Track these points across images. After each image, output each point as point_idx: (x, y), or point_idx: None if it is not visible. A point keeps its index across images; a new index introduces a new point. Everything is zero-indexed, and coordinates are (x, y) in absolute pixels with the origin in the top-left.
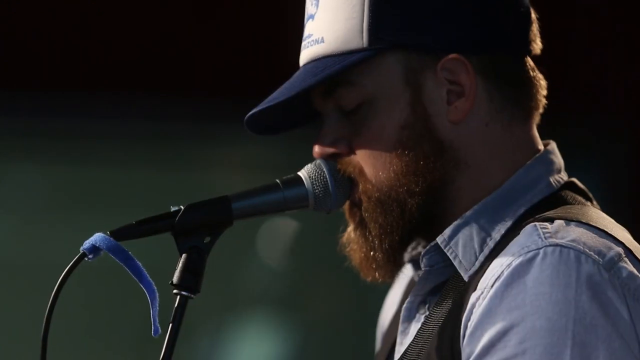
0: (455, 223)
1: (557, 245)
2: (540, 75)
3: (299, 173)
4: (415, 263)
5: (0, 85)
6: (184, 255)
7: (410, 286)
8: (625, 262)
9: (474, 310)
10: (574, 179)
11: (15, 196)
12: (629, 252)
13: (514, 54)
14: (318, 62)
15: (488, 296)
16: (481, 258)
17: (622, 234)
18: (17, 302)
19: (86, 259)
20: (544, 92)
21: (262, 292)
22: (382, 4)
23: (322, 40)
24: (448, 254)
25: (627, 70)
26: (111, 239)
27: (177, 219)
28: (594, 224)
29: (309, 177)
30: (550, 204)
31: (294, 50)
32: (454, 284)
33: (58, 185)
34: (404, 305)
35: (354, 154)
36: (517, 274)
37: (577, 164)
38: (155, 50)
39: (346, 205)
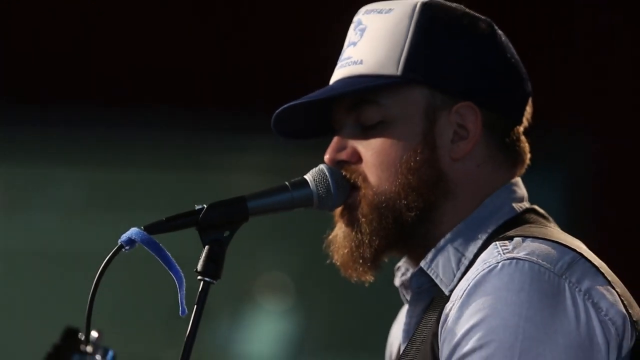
0: (435, 248)
1: (513, 258)
2: (527, 145)
3: (305, 176)
4: (406, 287)
5: (47, 99)
6: (206, 247)
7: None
8: (577, 267)
9: (447, 320)
10: (535, 206)
11: (63, 196)
12: (581, 257)
13: (512, 120)
14: (353, 78)
15: (457, 305)
16: (458, 275)
17: (576, 243)
18: (62, 289)
19: (123, 249)
20: (527, 157)
21: (275, 280)
22: (421, 43)
23: (361, 62)
24: (431, 275)
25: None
26: (145, 232)
27: (200, 215)
28: (548, 238)
29: (314, 179)
30: (512, 224)
31: (304, 62)
32: (438, 300)
33: (97, 188)
34: (402, 328)
35: (362, 163)
36: (479, 283)
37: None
38: (189, 64)
39: (339, 209)
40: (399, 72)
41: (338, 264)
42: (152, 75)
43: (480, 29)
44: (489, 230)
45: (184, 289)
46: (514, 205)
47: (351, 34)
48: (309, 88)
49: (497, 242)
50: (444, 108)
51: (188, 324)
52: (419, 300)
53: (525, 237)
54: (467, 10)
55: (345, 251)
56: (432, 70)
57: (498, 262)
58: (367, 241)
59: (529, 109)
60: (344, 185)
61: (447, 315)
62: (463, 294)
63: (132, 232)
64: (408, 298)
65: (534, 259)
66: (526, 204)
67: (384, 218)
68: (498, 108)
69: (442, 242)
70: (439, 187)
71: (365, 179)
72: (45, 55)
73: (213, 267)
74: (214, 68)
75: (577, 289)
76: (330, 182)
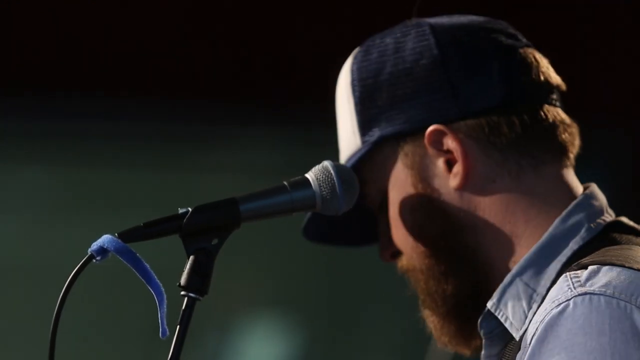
0: (501, 285)
1: (586, 293)
2: (563, 119)
3: (307, 175)
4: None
5: (4, 86)
6: (191, 257)
7: None
8: None
9: None
10: (622, 218)
11: (21, 198)
12: None
13: (504, 106)
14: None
15: (526, 355)
16: (530, 316)
17: None
18: (24, 305)
19: (94, 260)
20: (568, 135)
21: (268, 292)
22: (361, 104)
23: (340, 151)
24: (499, 317)
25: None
26: (119, 240)
27: (184, 220)
28: (628, 265)
29: (317, 179)
30: (589, 249)
31: (293, 55)
32: (510, 347)
33: (63, 187)
34: None
35: None
36: (550, 328)
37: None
38: (163, 53)
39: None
40: (359, 143)
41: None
42: (130, 63)
43: (401, 44)
44: (563, 259)
45: (165, 305)
46: (592, 222)
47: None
48: (301, 78)
49: (568, 274)
50: (418, 148)
51: (170, 346)
52: (492, 346)
53: (602, 264)
54: (390, 30)
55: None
56: (383, 122)
57: (569, 299)
58: (435, 309)
59: (534, 69)
60: (352, 186)
61: None
62: (532, 339)
63: (105, 240)
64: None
65: (611, 291)
66: (607, 217)
67: (433, 296)
68: (474, 107)
69: (508, 277)
70: (460, 230)
71: (408, 269)
72: (8, 41)
73: (199, 281)
74: (199, 56)
75: None
76: (335, 181)
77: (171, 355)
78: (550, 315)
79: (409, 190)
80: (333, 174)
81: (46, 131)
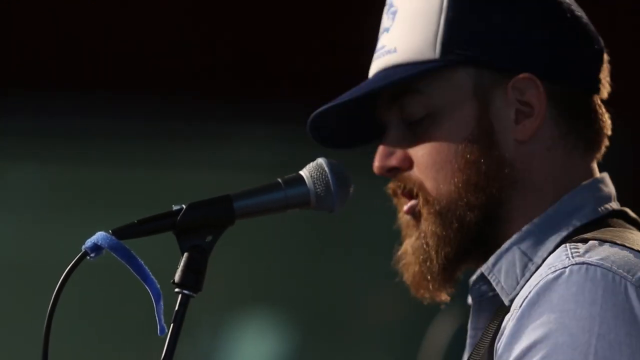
0: (497, 251)
1: (583, 263)
2: (606, 116)
3: (301, 172)
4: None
5: (2, 86)
6: (185, 254)
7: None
8: None
9: (504, 332)
10: (626, 209)
11: (16, 196)
12: None
13: (583, 88)
14: (388, 70)
15: (515, 316)
16: (522, 283)
17: None
18: (19, 302)
19: (88, 257)
20: (608, 132)
21: (263, 290)
22: (459, 18)
23: (395, 50)
24: (491, 280)
25: None
26: (113, 237)
27: (178, 217)
28: (629, 245)
29: (311, 176)
30: (591, 227)
31: (293, 51)
32: (499, 311)
33: (58, 185)
34: (467, 342)
35: (414, 168)
36: (542, 292)
37: None
38: (158, 50)
39: (405, 218)
40: (437, 55)
41: (408, 283)
42: (119, 59)
43: None
44: (564, 234)
45: (162, 302)
46: (598, 205)
47: (384, 19)
48: (296, 76)
49: (567, 244)
50: (496, 86)
51: (164, 343)
52: (481, 311)
53: (602, 240)
54: None
55: (416, 269)
56: (475, 46)
57: (565, 267)
58: (434, 255)
59: (605, 70)
60: (347, 183)
61: (504, 327)
62: (523, 302)
63: (99, 236)
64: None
65: (608, 264)
66: (614, 205)
67: (448, 225)
68: (564, 76)
69: (507, 243)
70: (503, 178)
71: (421, 186)
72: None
73: (193, 278)
74: (196, 55)
75: None
76: (330, 178)
77: (165, 353)
78: (545, 279)
79: (469, 121)
80: (327, 171)
81: (43, 130)
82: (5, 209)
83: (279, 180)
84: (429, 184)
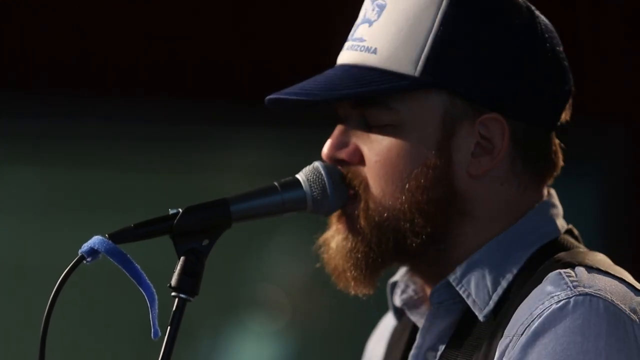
0: (466, 262)
1: (586, 294)
2: (560, 151)
3: (297, 176)
4: (410, 306)
5: (0, 86)
6: (182, 258)
7: (397, 335)
8: None
9: (504, 359)
10: (571, 226)
11: (14, 198)
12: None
13: (546, 127)
14: (364, 70)
15: (519, 344)
16: (495, 298)
17: (630, 277)
18: (16, 305)
19: (84, 261)
20: (560, 163)
21: (260, 294)
22: (446, 43)
23: (375, 51)
24: (460, 292)
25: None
26: (109, 241)
27: (175, 221)
28: (612, 272)
29: (307, 179)
30: (559, 246)
31: (295, 54)
32: (468, 325)
33: (56, 188)
34: (411, 353)
35: (364, 166)
36: (549, 322)
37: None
38: (158, 53)
39: (337, 212)
40: (416, 73)
41: (330, 273)
42: (120, 62)
43: (516, 23)
44: (532, 249)
45: (157, 306)
46: (558, 223)
47: (367, 8)
48: (296, 79)
49: (561, 271)
50: (465, 118)
51: (160, 348)
52: (438, 317)
53: (588, 267)
54: None
55: (339, 266)
56: (457, 74)
57: (570, 298)
58: (362, 262)
59: (567, 106)
60: (343, 187)
61: (502, 353)
62: (525, 330)
63: (95, 241)
64: (413, 318)
65: (608, 296)
66: (564, 223)
67: (384, 238)
68: (529, 116)
69: (476, 255)
70: (452, 208)
71: (366, 188)
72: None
73: (190, 282)
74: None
75: None
76: (326, 182)
77: (162, 357)
78: (550, 310)
79: (431, 146)
80: (323, 174)
81: (41, 132)
82: (3, 212)
83: (276, 183)
84: (374, 191)
